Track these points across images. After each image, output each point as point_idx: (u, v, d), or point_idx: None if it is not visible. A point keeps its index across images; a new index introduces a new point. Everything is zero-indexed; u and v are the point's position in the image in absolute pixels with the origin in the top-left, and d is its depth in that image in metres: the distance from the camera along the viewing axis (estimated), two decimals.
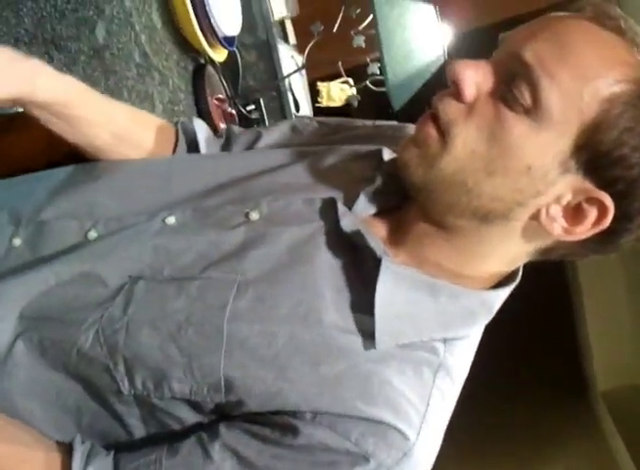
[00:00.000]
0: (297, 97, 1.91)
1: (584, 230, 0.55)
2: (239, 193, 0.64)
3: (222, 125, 1.64)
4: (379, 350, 0.55)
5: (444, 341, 0.58)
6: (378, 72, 1.75)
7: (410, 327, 0.56)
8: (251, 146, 0.78)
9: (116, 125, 0.76)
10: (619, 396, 3.27)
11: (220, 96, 1.67)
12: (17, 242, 0.65)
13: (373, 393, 0.53)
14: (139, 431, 0.58)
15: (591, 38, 0.54)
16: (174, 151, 0.79)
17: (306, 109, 2.05)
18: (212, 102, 1.61)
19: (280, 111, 1.84)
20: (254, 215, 0.61)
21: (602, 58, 0.53)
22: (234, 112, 1.72)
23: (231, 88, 1.76)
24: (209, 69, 1.66)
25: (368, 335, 0.55)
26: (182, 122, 0.82)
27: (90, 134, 0.75)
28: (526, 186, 0.54)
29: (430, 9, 1.86)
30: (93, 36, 1.10)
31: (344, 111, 1.97)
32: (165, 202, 0.65)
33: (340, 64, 1.78)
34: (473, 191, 0.55)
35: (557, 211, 0.55)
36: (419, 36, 1.86)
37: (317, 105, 1.80)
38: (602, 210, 0.54)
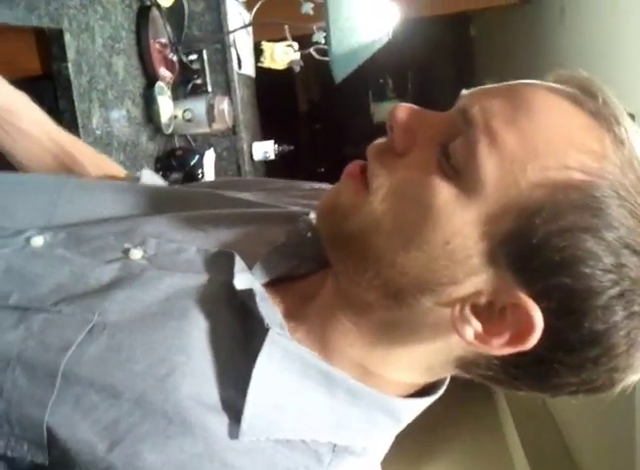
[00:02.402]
0: (241, 54, 1.92)
1: (500, 344, 0.43)
2: (129, 226, 0.56)
3: (162, 70, 1.63)
4: (244, 440, 0.45)
5: (333, 448, 0.47)
6: (322, 42, 1.78)
7: (291, 421, 0.46)
8: None
9: (64, 153, 0.75)
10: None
11: (163, 41, 1.66)
12: None
13: None
14: None
15: (556, 112, 0.44)
16: None
17: (249, 67, 2.06)
18: (154, 45, 1.60)
19: (222, 64, 1.84)
20: (136, 254, 0.52)
21: (563, 136, 0.43)
22: (175, 59, 1.71)
23: (175, 35, 1.75)
24: (154, 11, 1.64)
25: (235, 418, 0.45)
26: (133, 176, 0.77)
27: (33, 154, 0.74)
28: (442, 268, 0.43)
29: None
30: None
31: (286, 75, 1.99)
32: (42, 222, 0.56)
33: (286, 27, 1.80)
34: (384, 258, 0.45)
35: (472, 310, 0.44)
36: (367, 13, 1.90)
37: (259, 65, 1.82)
38: (527, 324, 0.42)
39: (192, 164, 1.62)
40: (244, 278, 0.49)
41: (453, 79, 5.91)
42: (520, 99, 0.44)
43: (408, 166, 0.46)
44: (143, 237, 0.54)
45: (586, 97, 0.44)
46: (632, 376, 0.44)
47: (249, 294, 0.48)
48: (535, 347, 0.42)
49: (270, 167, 2.42)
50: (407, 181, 0.45)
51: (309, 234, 0.54)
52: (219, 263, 0.52)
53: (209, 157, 1.68)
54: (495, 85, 0.47)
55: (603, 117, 0.43)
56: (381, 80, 6.50)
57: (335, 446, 0.47)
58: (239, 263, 0.50)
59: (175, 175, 1.61)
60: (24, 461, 0.45)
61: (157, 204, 0.61)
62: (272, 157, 2.06)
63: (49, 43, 1.24)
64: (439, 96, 6.21)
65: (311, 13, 1.80)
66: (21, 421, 0.44)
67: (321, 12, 1.73)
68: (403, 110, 0.47)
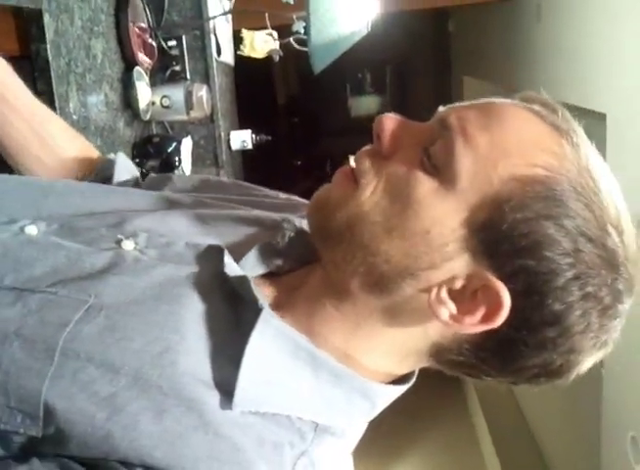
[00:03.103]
0: (221, 42, 1.91)
1: (473, 322, 0.47)
2: (119, 220, 0.59)
3: (140, 55, 1.62)
4: (236, 413, 0.48)
5: (315, 428, 0.51)
6: (302, 31, 1.79)
7: (279, 397, 0.49)
8: (157, 188, 0.73)
9: (38, 124, 0.76)
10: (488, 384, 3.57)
11: (142, 25, 1.65)
12: None
13: (221, 458, 0.46)
14: None
15: (523, 121, 0.50)
16: (85, 179, 0.77)
17: (228, 55, 2.05)
18: (133, 29, 1.59)
19: (201, 51, 1.84)
20: (128, 244, 0.55)
21: (529, 139, 0.49)
22: (154, 44, 1.70)
23: (154, 20, 1.74)
24: None
25: (228, 393, 0.48)
26: (105, 158, 0.81)
27: (6, 119, 0.74)
28: (422, 254, 0.48)
29: None
30: None
31: (265, 66, 1.99)
32: (32, 214, 0.59)
33: (266, 16, 1.80)
34: (369, 247, 0.50)
35: (448, 293, 0.48)
36: (347, 4, 1.91)
37: (239, 53, 1.81)
38: (496, 303, 0.47)
39: (169, 151, 1.61)
40: (234, 268, 0.53)
41: (431, 75, 5.95)
42: (491, 110, 0.51)
43: (394, 164, 0.51)
44: (134, 230, 0.57)
45: (548, 112, 0.51)
46: (586, 360, 0.50)
47: (241, 280, 0.52)
48: (502, 326, 0.47)
49: (247, 158, 2.42)
50: (393, 176, 0.50)
51: (292, 234, 0.58)
52: (209, 256, 0.55)
53: (187, 144, 1.67)
54: (468, 102, 0.53)
55: (562, 128, 0.50)
56: (359, 75, 6.51)
57: (317, 425, 0.51)
58: (227, 256, 0.54)
59: (152, 162, 1.60)
60: (17, 434, 0.46)
61: (144, 203, 0.64)
62: (250, 146, 2.07)
63: (28, 23, 1.22)
64: (417, 91, 6.24)
65: (291, 2, 1.80)
66: (18, 393, 0.46)
67: (301, 1, 1.73)
68: (390, 119, 0.52)
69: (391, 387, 0.55)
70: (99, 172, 0.79)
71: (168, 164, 1.60)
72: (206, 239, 0.57)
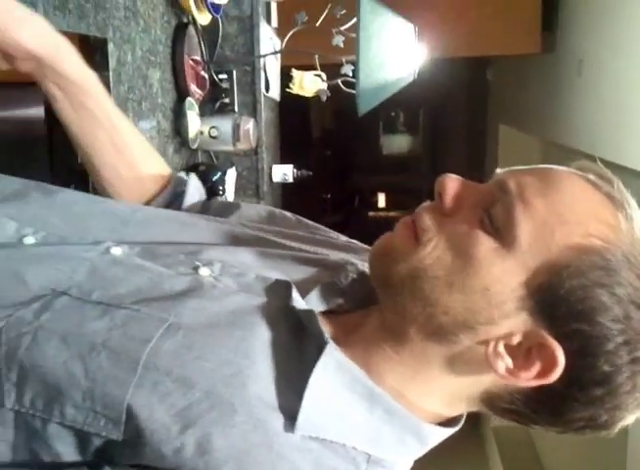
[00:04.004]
0: (270, 78, 1.96)
1: (528, 377, 0.50)
2: (195, 249, 0.64)
3: (193, 86, 1.67)
4: (297, 436, 0.51)
5: (368, 459, 0.53)
6: (350, 74, 1.83)
7: (337, 426, 0.52)
8: (225, 214, 0.78)
9: (119, 137, 0.79)
10: (507, 430, 3.53)
11: (196, 58, 1.70)
12: None
13: None
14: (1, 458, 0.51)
15: (579, 189, 0.53)
16: (159, 194, 0.82)
17: (276, 91, 2.10)
18: (188, 61, 1.64)
19: (250, 86, 1.89)
20: (205, 271, 0.60)
21: (585, 208, 0.52)
22: (206, 76, 1.75)
23: (207, 53, 1.79)
24: (191, 29, 1.69)
25: (290, 417, 0.51)
26: (178, 176, 0.84)
27: (90, 130, 0.77)
28: (481, 309, 0.51)
29: (410, 28, 1.95)
30: None
31: (307, 100, 2.03)
32: (115, 239, 0.63)
33: (316, 57, 1.84)
34: (429, 298, 0.52)
35: (505, 348, 0.51)
36: (395, 51, 1.95)
37: (287, 90, 1.86)
38: (551, 361, 0.50)
39: (214, 180, 1.64)
40: (300, 302, 0.57)
41: (465, 120, 5.98)
42: (549, 177, 0.54)
43: (456, 223, 0.54)
44: (209, 259, 0.62)
45: (603, 182, 0.54)
46: (630, 416, 0.53)
47: (308, 313, 0.56)
48: (555, 383, 0.50)
49: (286, 190, 2.45)
50: (455, 234, 0.53)
51: (355, 276, 0.62)
52: (277, 290, 0.59)
53: (231, 175, 1.71)
54: (526, 167, 0.57)
55: (616, 199, 0.53)
56: (392, 113, 6.59)
57: (370, 457, 0.53)
58: (295, 291, 0.58)
59: None
60: (97, 437, 0.50)
61: (215, 238, 0.69)
62: (290, 180, 2.10)
63: (93, 51, 1.27)
64: (450, 135, 6.28)
65: (341, 46, 1.85)
66: (103, 399, 0.50)
67: (351, 45, 1.77)
68: (452, 180, 0.56)
69: (442, 428, 0.57)
70: (172, 190, 0.83)
71: (213, 193, 1.62)
72: (273, 274, 0.61)
